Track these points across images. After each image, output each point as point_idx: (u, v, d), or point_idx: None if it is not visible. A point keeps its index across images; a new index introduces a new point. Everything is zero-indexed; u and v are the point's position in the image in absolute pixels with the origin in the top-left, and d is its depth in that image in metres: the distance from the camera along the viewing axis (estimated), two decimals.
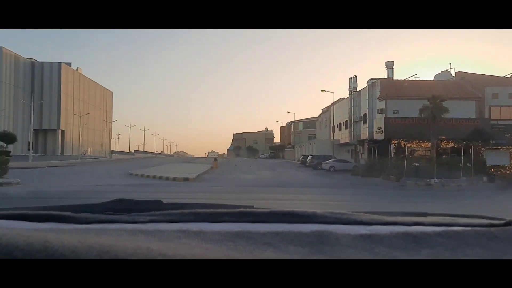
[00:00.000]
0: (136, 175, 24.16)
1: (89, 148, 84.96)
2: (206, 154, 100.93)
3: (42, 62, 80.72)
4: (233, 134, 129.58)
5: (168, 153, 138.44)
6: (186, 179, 20.97)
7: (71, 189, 15.18)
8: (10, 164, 19.54)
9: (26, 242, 0.50)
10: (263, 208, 1.00)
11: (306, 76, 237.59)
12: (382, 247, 0.70)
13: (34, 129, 69.38)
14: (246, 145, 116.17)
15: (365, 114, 40.79)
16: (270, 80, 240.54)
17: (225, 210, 0.98)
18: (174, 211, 0.99)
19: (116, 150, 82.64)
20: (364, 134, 40.45)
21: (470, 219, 0.99)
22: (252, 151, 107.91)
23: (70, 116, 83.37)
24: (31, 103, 49.78)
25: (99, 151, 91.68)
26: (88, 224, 0.89)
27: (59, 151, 78.16)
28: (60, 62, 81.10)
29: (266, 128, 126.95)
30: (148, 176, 23.10)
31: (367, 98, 39.96)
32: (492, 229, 0.78)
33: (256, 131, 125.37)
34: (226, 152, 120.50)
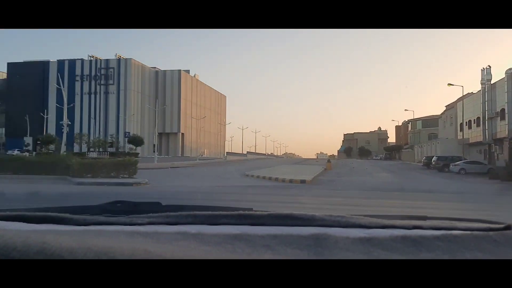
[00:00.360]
0: (252, 176, 24.11)
1: (205, 150, 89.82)
2: (316, 156, 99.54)
3: (164, 71, 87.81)
4: (344, 134, 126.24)
5: (277, 154, 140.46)
6: (303, 181, 20.13)
7: (196, 189, 15.30)
8: (138, 165, 20.72)
9: (24, 243, 0.50)
10: (262, 211, 0.99)
11: (424, 71, 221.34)
12: (380, 250, 0.70)
13: (158, 133, 75.91)
14: (357, 146, 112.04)
15: (502, 109, 35.66)
16: (384, 77, 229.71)
17: (224, 212, 0.98)
18: (172, 213, 0.98)
19: (230, 151, 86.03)
20: (502, 132, 35.36)
21: (469, 223, 1.00)
22: (364, 152, 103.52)
23: (189, 119, 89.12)
24: (155, 108, 54.00)
25: (214, 152, 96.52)
26: (86, 226, 0.89)
27: (180, 153, 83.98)
28: (180, 70, 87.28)
29: (379, 128, 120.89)
30: (264, 177, 22.84)
31: (506, 91, 34.82)
32: (491, 233, 0.78)
33: (368, 131, 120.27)
34: (336, 154, 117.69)
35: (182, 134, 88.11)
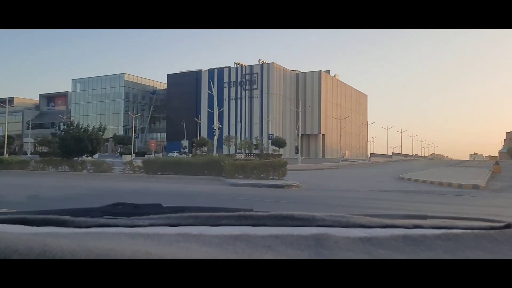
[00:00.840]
0: (409, 179, 21.74)
1: (346, 151, 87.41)
2: (471, 157, 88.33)
3: (305, 72, 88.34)
4: (506, 133, 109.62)
5: (423, 155, 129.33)
6: (475, 186, 17.14)
7: (353, 193, 14.15)
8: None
9: (25, 246, 0.51)
10: (262, 211, 1.01)
11: None
12: (381, 250, 0.70)
13: (298, 134, 76.40)
14: None
15: None
16: None
17: (225, 213, 0.97)
18: (173, 215, 0.99)
19: (373, 152, 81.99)
20: None
21: (470, 222, 1.00)
22: None
23: (330, 120, 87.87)
24: (298, 110, 54.25)
25: (355, 153, 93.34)
26: (87, 228, 0.89)
27: (321, 154, 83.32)
28: (320, 71, 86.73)
29: None
30: (424, 181, 20.31)
31: None
32: (492, 231, 0.78)
33: None
34: (497, 155, 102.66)
35: (323, 135, 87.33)
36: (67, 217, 0.94)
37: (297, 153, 47.10)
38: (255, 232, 0.77)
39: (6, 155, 45.74)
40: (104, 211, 1.20)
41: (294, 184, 17.06)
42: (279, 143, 65.67)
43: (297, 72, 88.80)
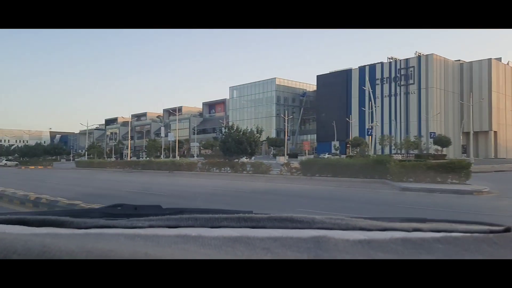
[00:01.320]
0: None
1: None
2: None
3: (470, 62, 78.23)
4: None
5: None
6: None
7: None
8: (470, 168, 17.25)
9: (24, 247, 0.51)
10: (262, 214, 1.02)
11: None
12: (380, 253, 0.70)
13: (463, 132, 67.74)
14: None
15: None
16: None
17: (224, 215, 0.98)
18: (173, 216, 0.99)
19: None
20: None
21: (469, 225, 1.00)
22: None
23: (502, 115, 76.12)
24: (464, 103, 47.81)
25: None
26: (87, 229, 0.89)
27: (492, 154, 72.56)
28: (490, 59, 75.68)
29: None
30: None
31: None
32: (491, 235, 0.79)
33: None
34: None
35: (495, 132, 75.85)
36: (66, 218, 0.94)
37: (464, 153, 41.40)
38: (254, 234, 0.77)
39: (177, 158, 51.23)
40: (104, 212, 1.22)
41: (485, 190, 14.21)
42: (442, 142, 59.22)
43: (461, 62, 78.99)
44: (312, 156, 53.27)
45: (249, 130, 30.82)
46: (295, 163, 26.08)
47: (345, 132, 72.89)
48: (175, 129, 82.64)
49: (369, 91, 56.84)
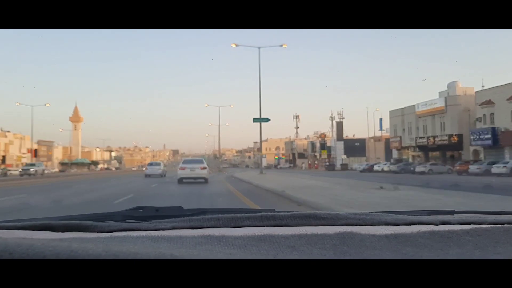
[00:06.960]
0: None
1: None
2: None
3: None
4: None
5: None
6: None
7: None
8: None
9: (52, 252, 0.51)
10: (284, 211, 1.01)
11: None
12: (408, 247, 0.68)
13: None
14: None
15: None
16: None
17: (247, 214, 0.98)
18: (195, 217, 0.99)
19: None
20: None
21: (498, 216, 1.00)
22: None
23: None
24: None
25: None
26: (111, 233, 0.90)
27: None
28: None
29: None
30: None
31: None
32: None
33: None
34: None
35: None
36: (90, 222, 0.94)
37: None
38: (278, 232, 0.76)
39: None
40: (126, 215, 1.19)
41: None
42: None
43: None
44: None
45: None
46: None
47: None
48: None
49: None
